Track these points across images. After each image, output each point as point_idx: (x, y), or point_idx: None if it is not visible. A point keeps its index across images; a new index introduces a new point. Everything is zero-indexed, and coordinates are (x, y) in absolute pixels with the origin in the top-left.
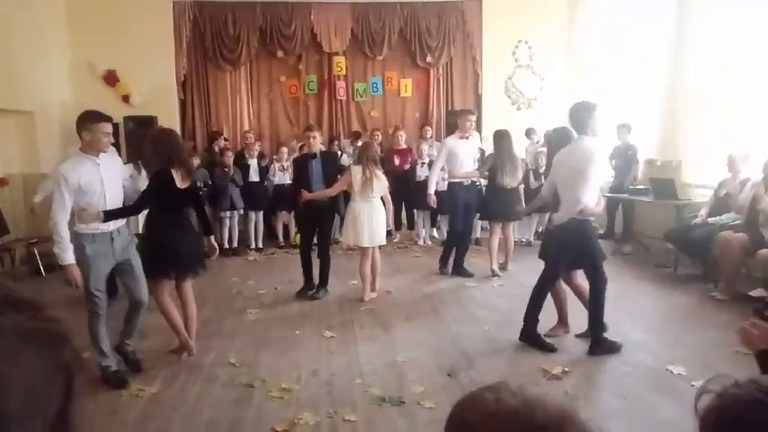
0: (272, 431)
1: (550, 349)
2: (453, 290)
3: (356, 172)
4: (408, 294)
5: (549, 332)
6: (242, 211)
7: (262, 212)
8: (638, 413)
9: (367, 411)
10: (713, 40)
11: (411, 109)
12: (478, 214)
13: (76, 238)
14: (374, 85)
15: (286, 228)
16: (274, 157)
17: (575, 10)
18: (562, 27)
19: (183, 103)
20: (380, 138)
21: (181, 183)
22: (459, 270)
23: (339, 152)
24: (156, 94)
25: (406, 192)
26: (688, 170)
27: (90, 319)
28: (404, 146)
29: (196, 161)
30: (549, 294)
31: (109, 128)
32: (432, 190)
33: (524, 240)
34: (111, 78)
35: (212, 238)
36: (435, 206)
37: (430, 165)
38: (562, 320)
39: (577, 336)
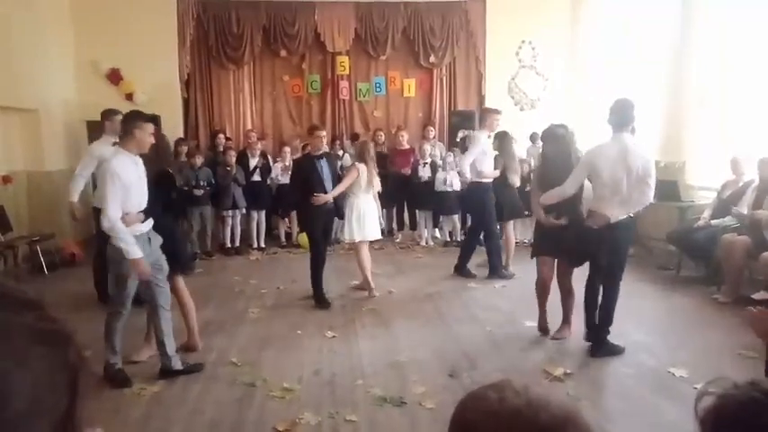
0: (273, 431)
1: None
2: (455, 290)
3: (363, 169)
4: (410, 294)
5: (554, 335)
6: (244, 211)
7: (264, 212)
8: (639, 415)
9: (368, 411)
10: (715, 41)
11: (414, 109)
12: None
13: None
14: (377, 84)
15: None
16: (278, 159)
17: (578, 10)
18: (565, 27)
19: (186, 102)
20: (383, 138)
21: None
22: (498, 272)
23: (342, 152)
24: (160, 92)
25: (409, 192)
26: (691, 172)
27: (111, 316)
28: (406, 146)
29: (199, 160)
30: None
31: (153, 129)
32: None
33: (526, 241)
34: (114, 77)
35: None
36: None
37: (432, 165)
38: (567, 321)
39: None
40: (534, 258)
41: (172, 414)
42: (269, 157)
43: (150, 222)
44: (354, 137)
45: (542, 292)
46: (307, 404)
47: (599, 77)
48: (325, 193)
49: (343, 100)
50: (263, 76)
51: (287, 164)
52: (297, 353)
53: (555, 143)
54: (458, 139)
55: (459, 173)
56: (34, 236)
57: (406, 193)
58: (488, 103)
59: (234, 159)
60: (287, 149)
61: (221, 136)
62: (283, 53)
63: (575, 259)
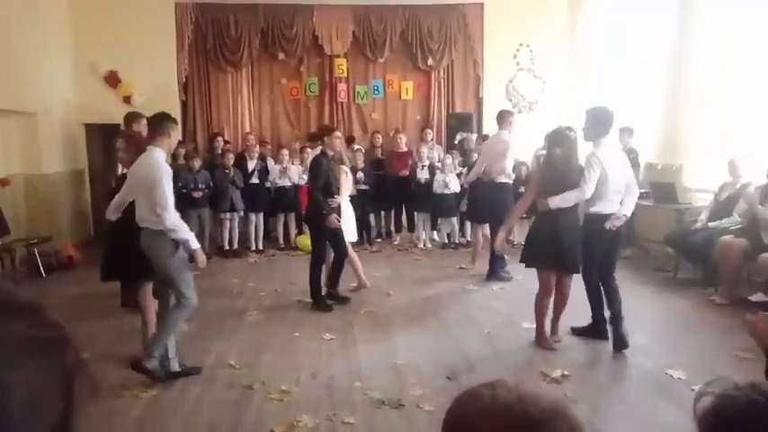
0: None
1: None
2: (453, 292)
3: (343, 172)
4: (408, 297)
5: (554, 338)
6: (242, 213)
7: (262, 214)
8: (637, 417)
9: (366, 414)
10: (714, 41)
11: (412, 112)
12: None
13: (164, 239)
14: (375, 87)
15: (286, 228)
16: (278, 166)
17: (576, 11)
18: (563, 29)
19: (184, 105)
20: (381, 140)
21: None
22: (496, 274)
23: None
24: (158, 95)
25: (407, 194)
26: (689, 174)
27: (177, 307)
28: (404, 148)
29: (197, 163)
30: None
31: None
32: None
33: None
34: (112, 79)
35: None
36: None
37: (430, 167)
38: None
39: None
40: (529, 267)
41: (169, 416)
42: (267, 160)
43: None
44: (350, 140)
45: (546, 310)
46: (305, 406)
47: (598, 78)
48: (338, 195)
49: (341, 103)
50: (261, 78)
51: (284, 166)
52: (295, 355)
53: (564, 145)
54: (456, 142)
55: (507, 174)
56: (32, 238)
57: (404, 196)
58: (486, 106)
59: (232, 162)
60: (285, 152)
61: (219, 139)
62: (281, 56)
63: (576, 265)
